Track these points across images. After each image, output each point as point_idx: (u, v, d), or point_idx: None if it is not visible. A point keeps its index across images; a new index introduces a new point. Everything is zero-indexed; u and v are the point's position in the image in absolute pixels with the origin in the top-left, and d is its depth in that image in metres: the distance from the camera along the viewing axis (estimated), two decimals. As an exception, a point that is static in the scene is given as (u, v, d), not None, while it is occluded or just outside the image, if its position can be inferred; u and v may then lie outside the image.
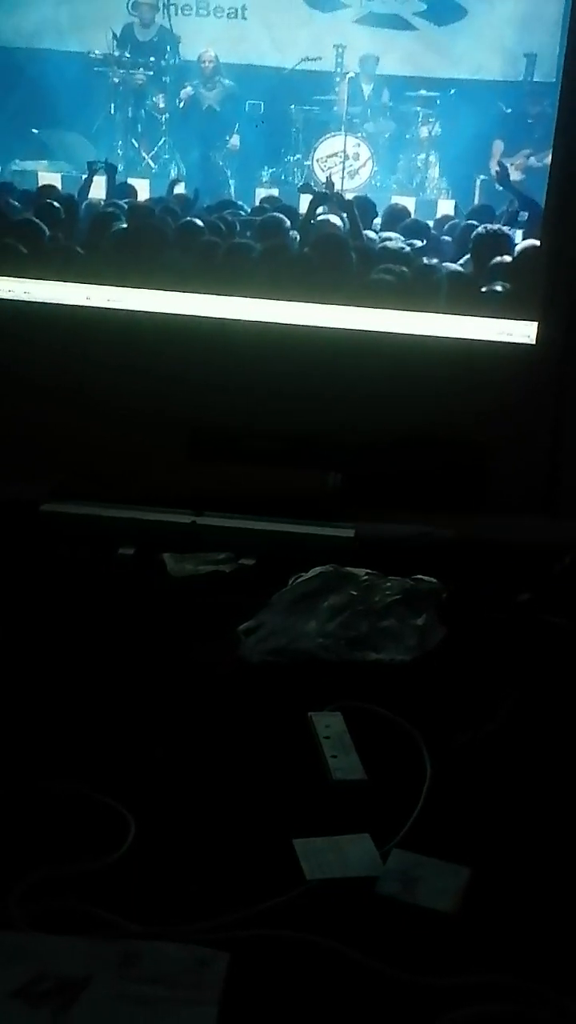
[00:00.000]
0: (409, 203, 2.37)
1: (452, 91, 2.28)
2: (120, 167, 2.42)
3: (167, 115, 2.41)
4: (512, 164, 2.27)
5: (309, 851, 1.23)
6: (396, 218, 2.36)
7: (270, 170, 2.40)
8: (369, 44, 2.28)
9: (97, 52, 2.35)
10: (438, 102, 2.30)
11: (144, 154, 2.42)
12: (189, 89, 2.37)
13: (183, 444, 2.33)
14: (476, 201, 2.32)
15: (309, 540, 2.14)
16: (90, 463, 2.27)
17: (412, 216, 2.36)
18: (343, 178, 2.36)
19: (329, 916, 1.14)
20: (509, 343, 2.28)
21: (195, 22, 2.31)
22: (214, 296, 2.34)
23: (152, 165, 2.42)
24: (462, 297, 2.29)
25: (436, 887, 1.17)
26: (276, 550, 2.10)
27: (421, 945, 1.11)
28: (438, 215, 2.35)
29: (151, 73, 2.39)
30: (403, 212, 2.36)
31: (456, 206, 2.34)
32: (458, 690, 1.62)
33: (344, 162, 2.36)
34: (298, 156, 2.38)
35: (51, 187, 2.43)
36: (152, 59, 2.37)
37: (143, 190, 2.43)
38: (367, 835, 1.26)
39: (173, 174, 2.41)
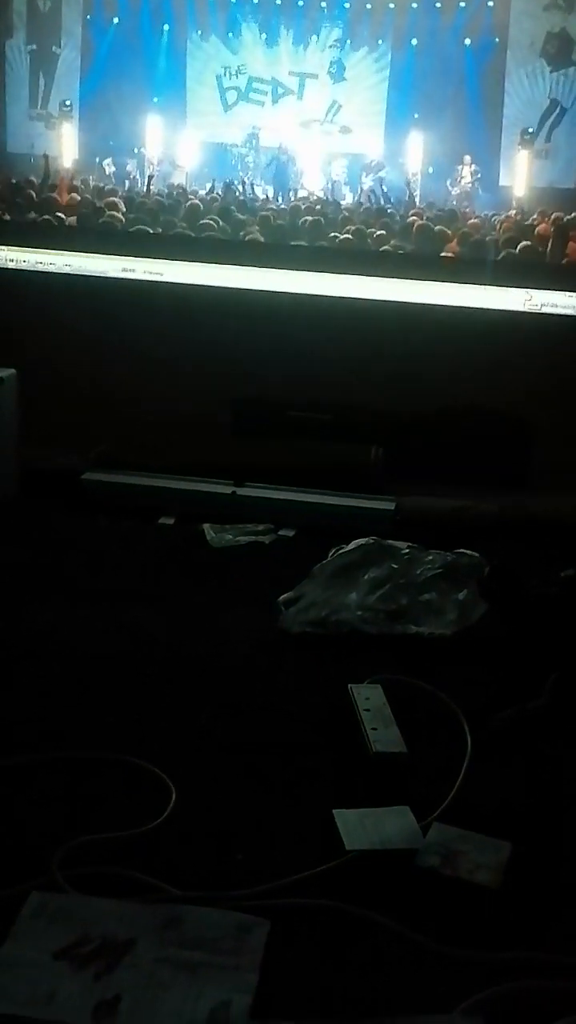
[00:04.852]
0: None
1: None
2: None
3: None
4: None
5: (349, 822, 1.23)
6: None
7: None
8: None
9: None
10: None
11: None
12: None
13: (226, 415, 2.33)
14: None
15: (349, 512, 2.13)
16: (132, 434, 2.27)
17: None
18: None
19: (369, 887, 1.14)
20: (556, 314, 2.24)
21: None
22: (255, 268, 2.31)
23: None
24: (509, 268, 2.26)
25: (477, 861, 1.17)
26: (316, 522, 2.10)
27: (460, 919, 1.11)
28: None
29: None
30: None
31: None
32: (499, 665, 1.61)
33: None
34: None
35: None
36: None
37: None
38: (407, 808, 1.26)
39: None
